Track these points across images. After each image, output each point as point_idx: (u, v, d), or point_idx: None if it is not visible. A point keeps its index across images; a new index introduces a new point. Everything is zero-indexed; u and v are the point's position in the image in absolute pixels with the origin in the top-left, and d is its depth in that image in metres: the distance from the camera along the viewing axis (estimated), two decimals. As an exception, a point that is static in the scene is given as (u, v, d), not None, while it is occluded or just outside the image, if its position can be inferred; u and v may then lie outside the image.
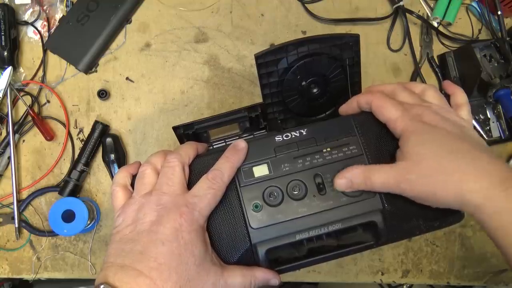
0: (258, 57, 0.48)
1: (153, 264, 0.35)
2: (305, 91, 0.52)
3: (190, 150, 0.43)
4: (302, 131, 0.43)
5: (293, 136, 0.42)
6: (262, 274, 0.40)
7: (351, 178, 0.39)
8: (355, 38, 0.49)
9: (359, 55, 0.50)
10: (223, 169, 0.40)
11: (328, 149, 0.42)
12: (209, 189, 0.39)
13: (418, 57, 0.70)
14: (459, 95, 0.44)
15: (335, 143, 0.42)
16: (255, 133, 0.54)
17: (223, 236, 0.40)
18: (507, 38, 0.65)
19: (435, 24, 0.70)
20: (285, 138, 0.42)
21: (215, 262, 0.38)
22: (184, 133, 0.51)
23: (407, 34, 0.69)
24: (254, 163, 0.42)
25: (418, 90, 0.43)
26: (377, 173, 0.38)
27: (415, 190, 0.37)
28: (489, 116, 0.67)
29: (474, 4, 0.70)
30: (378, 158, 0.41)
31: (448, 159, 0.35)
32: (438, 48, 0.70)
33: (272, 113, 0.54)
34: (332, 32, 0.68)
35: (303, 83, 0.51)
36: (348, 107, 0.46)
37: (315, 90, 0.52)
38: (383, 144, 0.42)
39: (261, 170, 0.41)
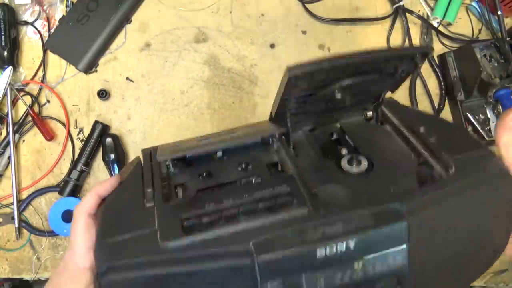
0: (292, 78, 0.35)
1: None
2: (329, 96, 0.42)
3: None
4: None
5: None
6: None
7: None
8: (425, 51, 0.40)
9: (418, 68, 0.42)
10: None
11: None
12: None
13: (418, 57, 0.69)
14: None
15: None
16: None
17: None
18: (507, 38, 0.65)
19: (435, 24, 0.70)
20: None
21: None
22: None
23: (407, 34, 0.69)
24: None
25: None
26: None
27: None
28: (489, 116, 0.67)
29: (474, 4, 0.70)
30: None
31: None
32: (438, 48, 0.70)
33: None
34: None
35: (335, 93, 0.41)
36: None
37: (341, 96, 0.41)
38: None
39: None
